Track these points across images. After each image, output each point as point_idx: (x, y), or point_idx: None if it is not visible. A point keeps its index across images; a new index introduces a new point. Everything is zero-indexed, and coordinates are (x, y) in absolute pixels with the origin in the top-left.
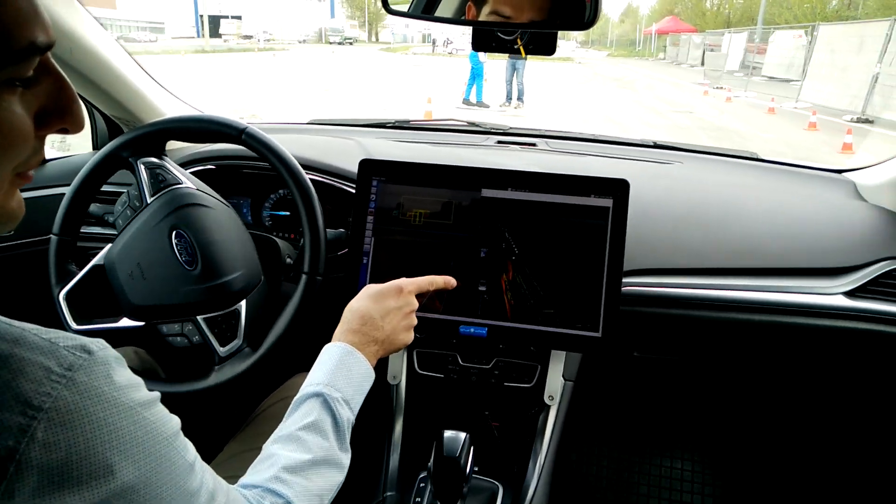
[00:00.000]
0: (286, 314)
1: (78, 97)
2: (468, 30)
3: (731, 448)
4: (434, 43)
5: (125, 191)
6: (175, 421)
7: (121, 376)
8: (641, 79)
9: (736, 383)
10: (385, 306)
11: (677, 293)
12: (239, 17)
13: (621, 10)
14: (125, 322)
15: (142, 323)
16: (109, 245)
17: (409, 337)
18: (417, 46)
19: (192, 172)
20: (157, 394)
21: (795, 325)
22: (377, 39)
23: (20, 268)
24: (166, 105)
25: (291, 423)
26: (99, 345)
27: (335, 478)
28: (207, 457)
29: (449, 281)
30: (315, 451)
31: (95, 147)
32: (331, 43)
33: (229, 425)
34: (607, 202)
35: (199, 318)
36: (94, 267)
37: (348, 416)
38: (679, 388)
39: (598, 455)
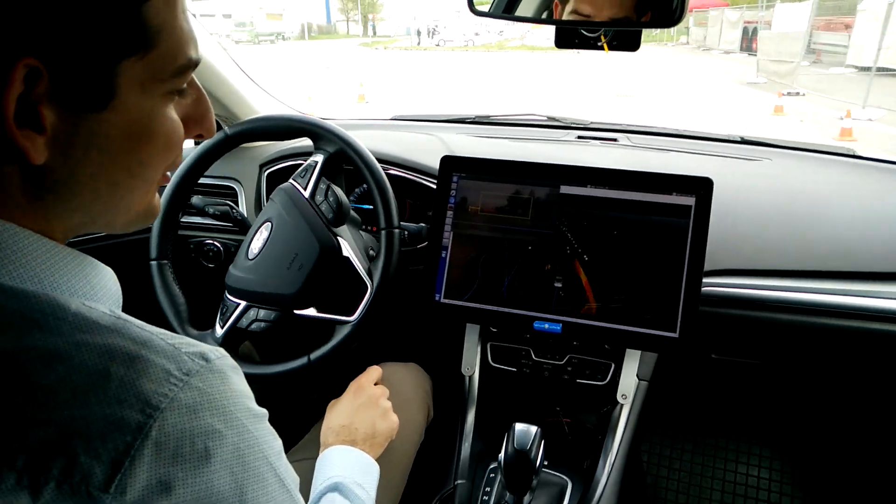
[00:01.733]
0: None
1: (212, 108)
2: (458, 19)
3: (810, 457)
4: (419, 34)
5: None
6: (279, 442)
7: (234, 386)
8: (657, 78)
9: (819, 391)
10: (350, 409)
11: (760, 295)
12: (229, 16)
13: None
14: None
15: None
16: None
17: (390, 422)
18: (404, 39)
19: (278, 169)
20: (264, 411)
21: (887, 332)
22: (375, 33)
23: (117, 255)
24: (259, 102)
25: None
26: (218, 353)
27: None
28: (296, 437)
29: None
30: None
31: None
32: (237, 42)
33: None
34: (689, 200)
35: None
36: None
37: (365, 496)
38: (758, 393)
39: (671, 457)
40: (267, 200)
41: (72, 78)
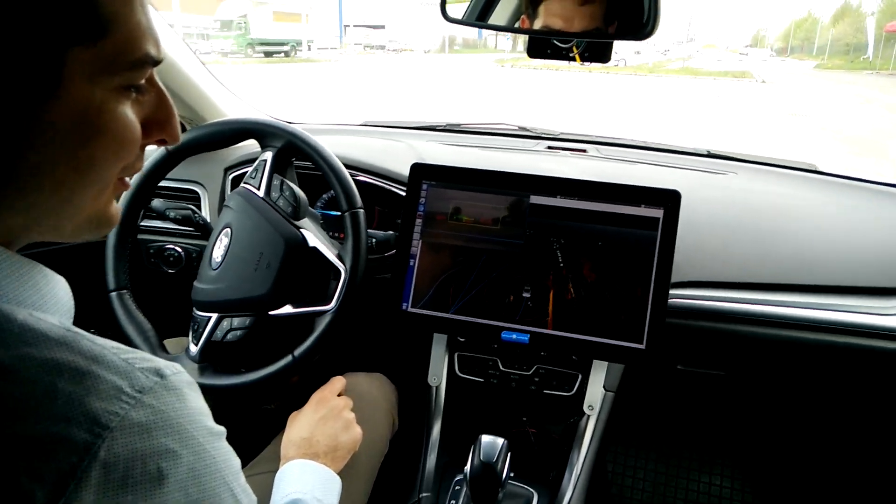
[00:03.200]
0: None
1: (176, 112)
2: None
3: (771, 468)
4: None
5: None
6: (237, 461)
7: (190, 404)
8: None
9: (782, 402)
10: (311, 421)
11: (726, 307)
12: (382, 27)
13: (833, 11)
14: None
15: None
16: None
17: (353, 435)
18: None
19: (243, 172)
20: (222, 428)
21: (849, 345)
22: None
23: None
24: (228, 106)
25: None
26: (173, 369)
27: None
28: (256, 450)
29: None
30: None
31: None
32: (224, 55)
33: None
34: (658, 213)
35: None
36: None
37: None
38: (722, 404)
39: (636, 466)
40: None
41: (16, 63)
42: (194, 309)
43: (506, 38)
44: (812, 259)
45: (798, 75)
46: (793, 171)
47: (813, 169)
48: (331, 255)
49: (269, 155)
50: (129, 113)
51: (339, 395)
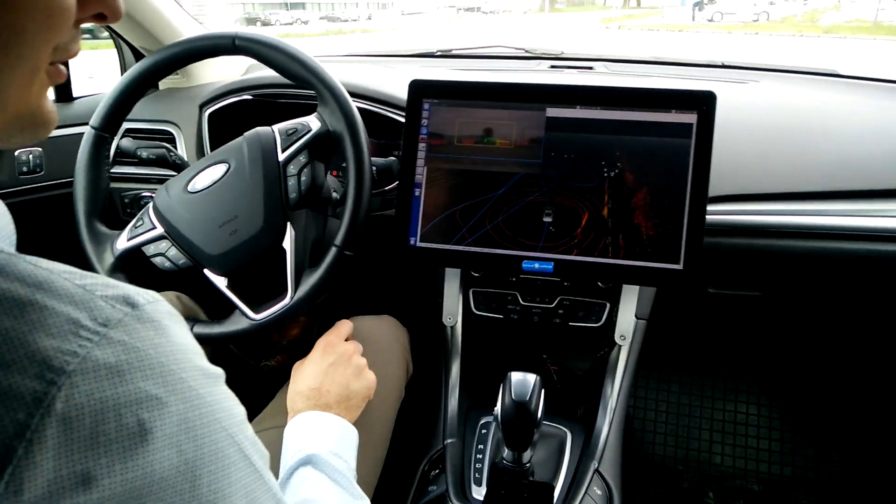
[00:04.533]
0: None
1: None
2: None
3: (798, 393)
4: (697, 5)
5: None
6: (241, 409)
7: (175, 339)
8: None
9: (817, 322)
10: (319, 369)
11: (763, 221)
12: None
13: None
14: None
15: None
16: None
17: (366, 381)
18: (674, 10)
19: (227, 104)
20: (220, 370)
21: (889, 253)
22: (639, 4)
23: (49, 212)
24: (188, 29)
25: (289, 498)
26: (148, 297)
27: None
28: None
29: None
30: None
31: None
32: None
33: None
34: (691, 118)
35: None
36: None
37: (344, 466)
38: (752, 328)
39: (657, 399)
40: (211, 146)
41: None
42: (149, 207)
43: None
44: (852, 163)
45: None
46: (815, 76)
47: (834, 73)
48: (290, 271)
49: (315, 127)
50: None
51: (346, 340)
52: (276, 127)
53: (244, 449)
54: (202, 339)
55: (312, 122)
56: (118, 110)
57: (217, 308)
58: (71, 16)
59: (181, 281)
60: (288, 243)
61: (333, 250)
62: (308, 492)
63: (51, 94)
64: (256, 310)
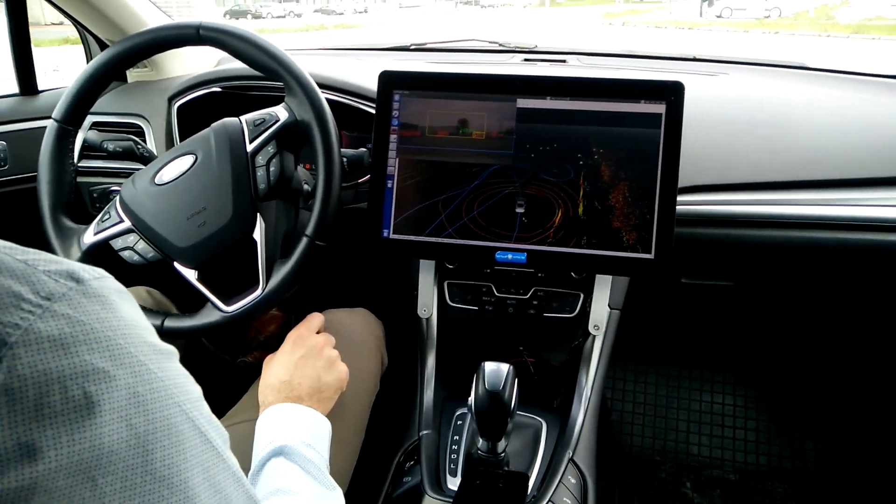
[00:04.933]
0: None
1: None
2: None
3: (774, 382)
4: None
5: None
6: (196, 388)
7: (123, 314)
8: None
9: (790, 312)
10: (289, 362)
11: (734, 211)
12: None
13: None
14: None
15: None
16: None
17: (338, 373)
18: (682, 4)
19: (196, 97)
20: (172, 348)
21: (861, 243)
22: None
23: (14, 206)
24: (152, 18)
25: (260, 490)
26: (94, 273)
27: None
28: (229, 403)
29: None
30: None
31: None
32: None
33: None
34: (660, 108)
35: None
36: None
37: (317, 458)
38: (727, 317)
39: (634, 391)
40: (180, 139)
41: None
42: (116, 201)
43: None
44: (820, 153)
45: None
46: (784, 69)
47: (802, 66)
48: (261, 262)
49: (283, 117)
50: None
51: (318, 333)
52: (243, 118)
53: (200, 426)
54: (174, 333)
55: (280, 113)
56: (81, 102)
57: (188, 302)
58: None
59: (151, 275)
60: (258, 234)
61: (304, 240)
62: (280, 482)
63: (14, 85)
64: (228, 302)
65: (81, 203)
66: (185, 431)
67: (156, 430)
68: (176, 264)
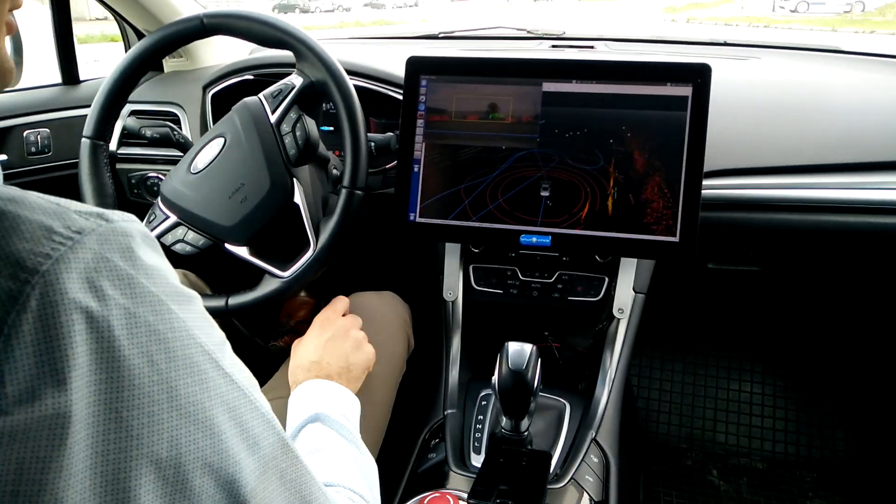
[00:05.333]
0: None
1: None
2: None
3: (803, 370)
4: None
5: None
6: (219, 334)
7: (147, 258)
8: None
9: (819, 298)
10: (317, 344)
11: (761, 195)
12: None
13: None
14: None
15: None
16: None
17: (365, 353)
18: None
19: (230, 85)
20: (195, 293)
21: (894, 226)
22: None
23: (58, 192)
24: (186, 7)
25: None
26: (123, 216)
27: (370, 475)
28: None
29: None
30: (335, 473)
31: None
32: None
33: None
34: (686, 90)
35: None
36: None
37: (351, 425)
38: (753, 304)
39: (661, 379)
40: (214, 123)
41: None
42: (158, 200)
43: None
44: (848, 137)
45: None
46: (817, 53)
47: (836, 49)
48: (308, 223)
49: (298, 82)
50: None
51: (343, 315)
52: (261, 94)
53: (223, 367)
54: (240, 309)
55: (294, 80)
56: (107, 116)
57: (243, 281)
58: None
59: (204, 262)
60: (299, 198)
61: (344, 192)
62: (318, 443)
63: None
64: (284, 268)
65: (120, 189)
66: (208, 371)
67: (178, 367)
68: (227, 245)
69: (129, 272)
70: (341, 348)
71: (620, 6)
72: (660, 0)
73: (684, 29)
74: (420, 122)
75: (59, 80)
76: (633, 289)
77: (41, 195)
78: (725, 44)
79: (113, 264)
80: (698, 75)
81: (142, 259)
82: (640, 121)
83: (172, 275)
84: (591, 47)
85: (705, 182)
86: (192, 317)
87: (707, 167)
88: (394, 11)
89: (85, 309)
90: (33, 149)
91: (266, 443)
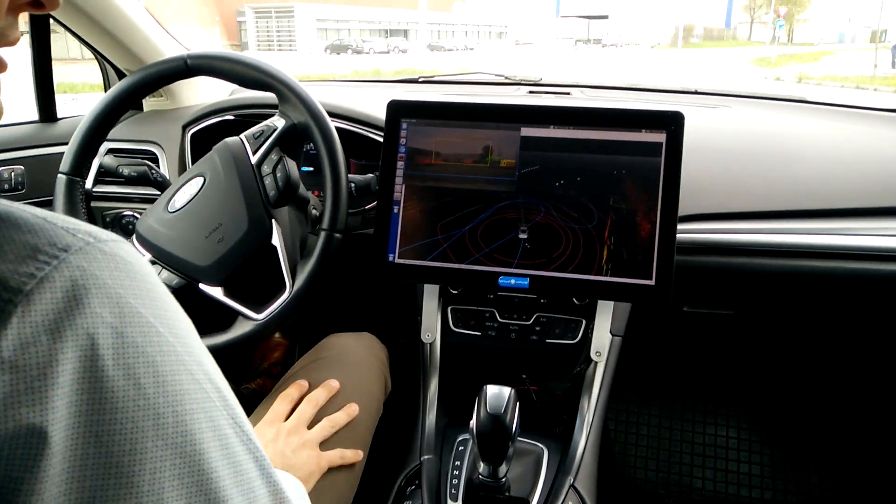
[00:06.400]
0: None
1: None
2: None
3: (778, 416)
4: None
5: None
6: (211, 361)
7: (134, 274)
8: None
9: (792, 342)
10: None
11: (734, 240)
12: (605, 17)
13: None
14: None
15: (218, 288)
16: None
17: (305, 455)
18: (833, 46)
19: (209, 125)
20: (189, 321)
21: (863, 272)
22: (790, 40)
23: None
24: (169, 49)
25: None
26: (112, 236)
27: None
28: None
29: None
30: None
31: None
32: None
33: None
34: (660, 137)
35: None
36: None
37: None
38: (730, 346)
39: (637, 423)
40: (193, 162)
41: None
42: (133, 238)
43: (768, 25)
44: (816, 184)
45: None
46: (784, 102)
47: (802, 99)
48: (285, 265)
49: (280, 124)
50: None
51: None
52: (242, 135)
53: (215, 399)
54: (212, 352)
55: (277, 122)
56: (85, 152)
57: (214, 323)
58: (4, 3)
59: (178, 302)
60: (277, 240)
61: (323, 234)
62: None
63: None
64: (258, 310)
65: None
66: (202, 401)
67: (167, 393)
68: (201, 286)
69: (118, 291)
70: (281, 451)
71: (700, 56)
72: (740, 49)
73: (799, 89)
74: (400, 164)
75: (35, 117)
76: (611, 331)
77: (27, 209)
78: (696, 92)
79: (101, 282)
80: (672, 122)
81: (131, 278)
82: (615, 165)
83: (163, 296)
84: (568, 94)
85: (680, 226)
86: (183, 341)
87: (681, 211)
88: (454, 55)
89: (68, 326)
90: (6, 186)
91: (261, 492)
